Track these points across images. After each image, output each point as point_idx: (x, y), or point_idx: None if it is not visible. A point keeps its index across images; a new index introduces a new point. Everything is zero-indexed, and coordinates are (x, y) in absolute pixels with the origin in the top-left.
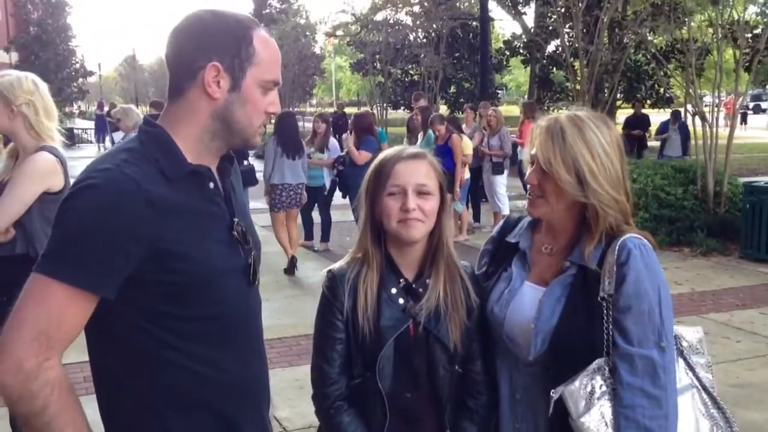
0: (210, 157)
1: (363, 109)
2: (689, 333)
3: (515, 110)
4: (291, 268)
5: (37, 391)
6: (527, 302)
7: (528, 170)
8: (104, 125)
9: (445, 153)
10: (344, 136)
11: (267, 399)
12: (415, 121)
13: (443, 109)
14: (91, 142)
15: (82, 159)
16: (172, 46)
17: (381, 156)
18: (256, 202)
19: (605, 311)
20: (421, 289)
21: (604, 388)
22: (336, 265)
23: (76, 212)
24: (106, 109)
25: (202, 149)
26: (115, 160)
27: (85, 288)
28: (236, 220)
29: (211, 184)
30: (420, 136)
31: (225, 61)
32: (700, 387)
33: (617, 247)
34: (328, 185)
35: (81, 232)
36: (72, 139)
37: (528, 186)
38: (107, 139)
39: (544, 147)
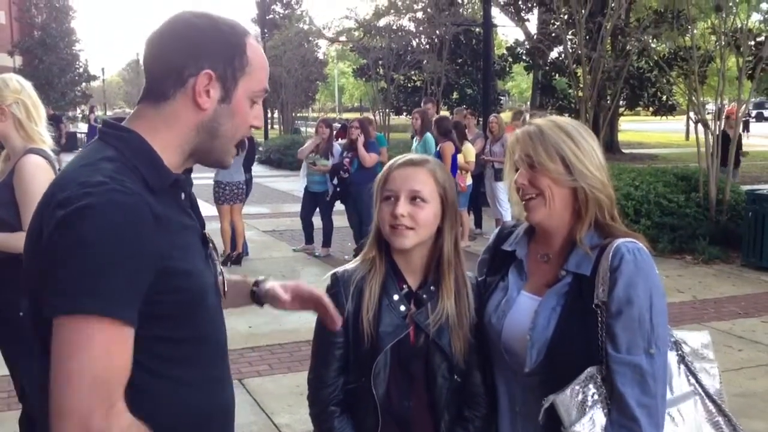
0: (180, 169)
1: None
2: (693, 338)
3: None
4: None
5: None
6: (524, 313)
7: (513, 179)
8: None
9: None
10: (337, 142)
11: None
12: (414, 122)
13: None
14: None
15: None
16: (155, 49)
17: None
18: (260, 207)
19: (600, 318)
20: (425, 296)
21: (596, 396)
22: (341, 268)
23: (88, 237)
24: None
25: (179, 160)
26: (104, 171)
27: (123, 318)
28: (206, 232)
29: (183, 195)
30: (416, 140)
31: (218, 70)
32: (703, 393)
33: (611, 253)
34: (330, 191)
35: (101, 258)
36: (75, 143)
37: (520, 191)
38: None
39: (523, 146)
